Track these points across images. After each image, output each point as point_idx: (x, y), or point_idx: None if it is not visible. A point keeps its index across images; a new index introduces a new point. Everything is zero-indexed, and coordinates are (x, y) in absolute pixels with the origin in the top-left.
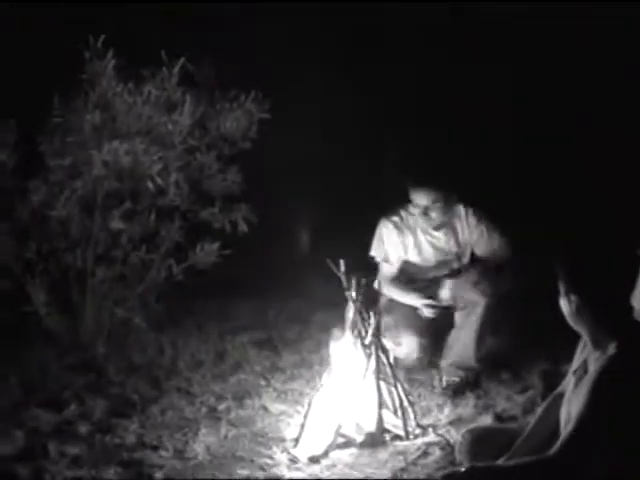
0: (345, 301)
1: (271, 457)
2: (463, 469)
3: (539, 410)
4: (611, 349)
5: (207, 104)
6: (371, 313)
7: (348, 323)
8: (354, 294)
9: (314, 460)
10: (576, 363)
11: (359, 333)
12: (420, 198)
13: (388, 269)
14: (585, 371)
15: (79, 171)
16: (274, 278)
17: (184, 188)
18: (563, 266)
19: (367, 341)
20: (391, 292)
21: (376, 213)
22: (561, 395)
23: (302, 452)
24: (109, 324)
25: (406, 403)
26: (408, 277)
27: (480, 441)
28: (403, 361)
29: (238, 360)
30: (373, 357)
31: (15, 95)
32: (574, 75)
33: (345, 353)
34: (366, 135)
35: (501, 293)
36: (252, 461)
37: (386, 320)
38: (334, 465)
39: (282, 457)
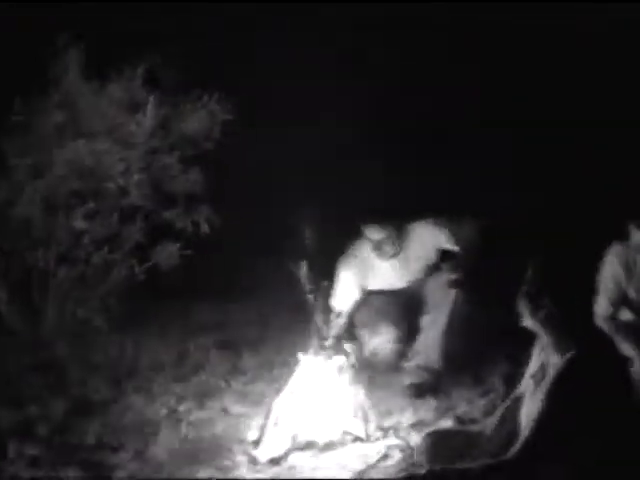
0: (306, 302)
1: (232, 459)
2: (422, 472)
3: (498, 412)
4: (569, 353)
5: (170, 105)
6: (332, 315)
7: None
8: (316, 296)
9: (275, 462)
10: (534, 366)
11: (321, 335)
12: (373, 234)
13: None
14: (543, 375)
15: (41, 170)
16: (236, 279)
17: (146, 189)
18: (533, 269)
19: (328, 342)
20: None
21: (341, 216)
22: (520, 398)
23: (263, 454)
24: (70, 324)
25: (367, 405)
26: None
27: (440, 444)
28: (379, 352)
29: (199, 361)
30: (334, 359)
31: None
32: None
33: (307, 355)
34: (331, 138)
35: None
36: (213, 463)
37: (362, 311)
38: (294, 467)
39: (243, 459)
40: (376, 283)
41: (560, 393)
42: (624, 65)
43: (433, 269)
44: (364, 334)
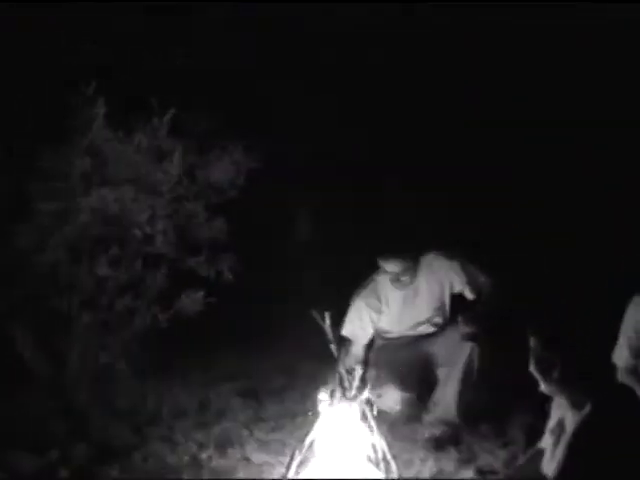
0: (329, 352)
1: None
2: None
3: (518, 465)
4: (587, 408)
5: (196, 153)
6: (356, 366)
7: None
8: (339, 346)
9: None
10: (552, 421)
11: (343, 385)
12: (391, 266)
13: (355, 348)
14: (562, 430)
15: (67, 217)
16: (259, 327)
17: (171, 236)
18: (538, 332)
19: (351, 393)
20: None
21: (363, 266)
22: (540, 452)
23: None
24: (93, 369)
25: (388, 456)
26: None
27: None
28: (386, 414)
29: (221, 409)
30: (356, 409)
31: (4, 138)
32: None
33: (329, 405)
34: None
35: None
36: None
37: (370, 373)
38: None
39: None
40: (387, 320)
41: (579, 448)
42: (624, 65)
43: (444, 310)
44: (381, 388)
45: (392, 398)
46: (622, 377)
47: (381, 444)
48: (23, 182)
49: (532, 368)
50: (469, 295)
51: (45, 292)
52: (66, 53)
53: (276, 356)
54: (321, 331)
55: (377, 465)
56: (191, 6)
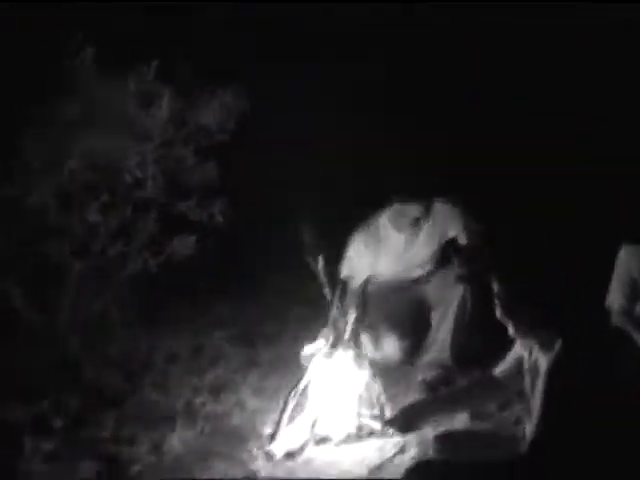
0: (322, 296)
1: (248, 452)
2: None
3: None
4: (557, 347)
5: (185, 97)
6: (350, 309)
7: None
8: (333, 290)
9: (291, 456)
10: (508, 363)
11: (337, 329)
12: (410, 210)
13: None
14: (537, 372)
15: (57, 164)
16: (251, 272)
17: (161, 181)
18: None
19: (345, 337)
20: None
21: (357, 211)
22: (522, 394)
23: (278, 448)
24: (85, 317)
25: (383, 399)
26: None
27: (454, 440)
28: (383, 362)
29: (214, 355)
30: (351, 352)
31: None
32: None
33: (323, 349)
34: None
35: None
36: (229, 456)
37: (366, 322)
38: (311, 461)
39: (259, 453)
40: (386, 262)
41: (555, 387)
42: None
43: (441, 258)
44: (375, 334)
45: (390, 348)
46: (616, 319)
47: (375, 387)
48: (11, 130)
49: (499, 314)
50: (463, 241)
51: (35, 240)
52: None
53: (268, 301)
54: (313, 276)
55: (371, 409)
56: None
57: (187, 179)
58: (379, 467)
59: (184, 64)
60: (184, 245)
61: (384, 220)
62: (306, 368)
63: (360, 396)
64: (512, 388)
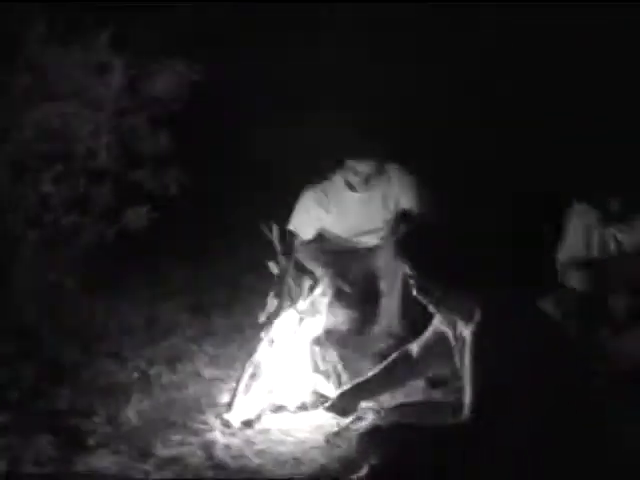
0: (276, 265)
1: (204, 422)
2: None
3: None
4: (477, 316)
5: (138, 66)
6: (304, 278)
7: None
8: (287, 257)
9: (247, 425)
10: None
11: (292, 297)
12: (363, 167)
13: (302, 240)
14: (463, 344)
15: (8, 134)
16: (204, 242)
17: (115, 150)
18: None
19: (300, 305)
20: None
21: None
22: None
23: (235, 417)
24: (40, 288)
25: (339, 367)
26: (336, 248)
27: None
28: (334, 332)
29: (169, 325)
30: (306, 321)
31: None
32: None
33: (278, 317)
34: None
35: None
36: (185, 426)
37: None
38: (268, 430)
39: (215, 422)
40: (336, 220)
41: (480, 354)
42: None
43: (395, 227)
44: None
45: (338, 317)
46: (562, 275)
47: (331, 356)
48: None
49: (415, 293)
50: (413, 213)
51: None
52: None
53: (221, 270)
54: (264, 244)
55: (327, 377)
56: None
57: (141, 148)
58: (335, 435)
59: (138, 32)
60: (138, 215)
61: (337, 177)
62: (261, 336)
63: (316, 364)
64: (436, 361)
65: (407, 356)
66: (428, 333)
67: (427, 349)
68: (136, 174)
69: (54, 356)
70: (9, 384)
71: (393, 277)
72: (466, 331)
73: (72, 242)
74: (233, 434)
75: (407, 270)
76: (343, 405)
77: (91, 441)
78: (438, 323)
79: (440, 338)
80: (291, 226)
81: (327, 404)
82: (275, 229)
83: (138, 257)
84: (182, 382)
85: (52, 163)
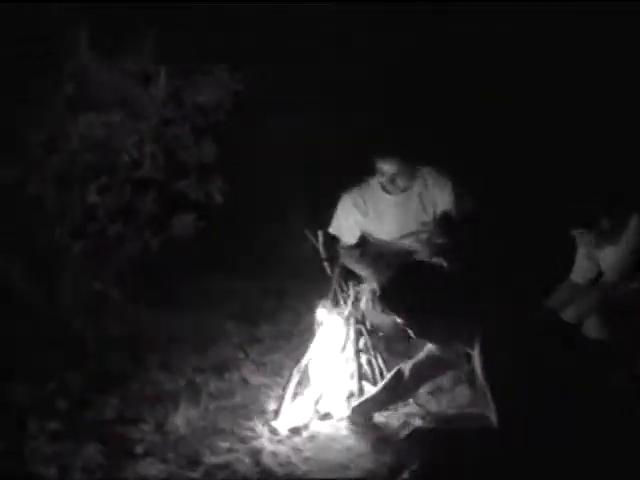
0: (321, 271)
1: (252, 429)
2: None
3: None
4: (478, 341)
5: (182, 76)
6: (350, 284)
7: (328, 294)
8: (332, 264)
9: (295, 432)
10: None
11: (338, 304)
12: (387, 166)
13: (345, 244)
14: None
15: (54, 145)
16: (250, 250)
17: (159, 160)
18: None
19: (346, 312)
20: (348, 263)
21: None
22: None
23: (283, 424)
24: (86, 298)
25: (386, 373)
26: (375, 252)
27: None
28: (381, 330)
29: (216, 333)
30: (352, 328)
31: None
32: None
33: (324, 324)
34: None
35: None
36: (233, 433)
37: (368, 291)
38: (315, 436)
39: (263, 429)
40: (374, 225)
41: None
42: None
43: (429, 227)
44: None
45: (391, 319)
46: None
47: (378, 362)
48: (9, 111)
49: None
50: (452, 217)
51: (35, 222)
52: None
53: (267, 277)
54: (310, 251)
55: (375, 383)
56: None
57: (185, 158)
58: (383, 441)
59: (181, 42)
60: (183, 224)
61: (373, 181)
62: (308, 343)
63: (363, 370)
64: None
65: (400, 375)
66: (421, 355)
67: (418, 368)
68: (181, 183)
69: (102, 366)
70: (59, 393)
71: None
72: (474, 353)
73: (118, 252)
74: (280, 441)
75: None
76: (356, 418)
77: (139, 449)
78: (433, 347)
79: (432, 359)
80: (331, 230)
81: (344, 417)
82: (320, 235)
83: (184, 266)
84: (229, 390)
85: (97, 173)
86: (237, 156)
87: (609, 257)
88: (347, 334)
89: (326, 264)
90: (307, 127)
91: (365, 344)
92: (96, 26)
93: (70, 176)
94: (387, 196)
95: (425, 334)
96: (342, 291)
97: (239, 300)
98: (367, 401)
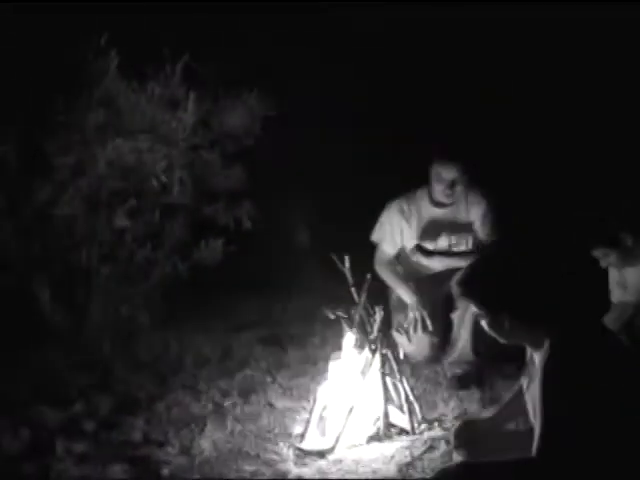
0: (349, 296)
1: (278, 453)
2: (455, 465)
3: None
4: (546, 345)
5: (210, 101)
6: (376, 308)
7: (354, 319)
8: (359, 290)
9: (320, 455)
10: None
11: (364, 328)
12: (447, 171)
13: (386, 253)
14: (534, 372)
15: (83, 169)
16: (278, 274)
17: (188, 185)
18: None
19: (372, 336)
20: (387, 278)
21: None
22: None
23: (309, 447)
24: (114, 322)
25: (412, 398)
26: (415, 263)
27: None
28: (413, 358)
29: (244, 357)
30: (378, 352)
31: (19, 93)
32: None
33: (351, 349)
34: (371, 133)
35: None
36: (258, 457)
37: (398, 317)
38: (341, 460)
39: (289, 453)
40: (418, 236)
41: (551, 385)
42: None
43: (468, 241)
44: (409, 332)
45: (420, 343)
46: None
47: (404, 386)
48: (39, 137)
49: (485, 327)
50: (479, 236)
51: (64, 246)
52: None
53: (296, 302)
54: (339, 275)
55: (400, 408)
56: None
57: (214, 183)
58: (408, 465)
59: (209, 67)
60: (213, 249)
61: (422, 193)
62: (334, 368)
63: (389, 394)
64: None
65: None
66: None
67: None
68: (210, 208)
69: (129, 389)
70: (86, 415)
71: (464, 305)
72: (537, 357)
73: (146, 276)
74: (306, 465)
75: (474, 308)
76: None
77: (165, 471)
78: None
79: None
80: (374, 237)
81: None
82: (347, 260)
83: (213, 290)
84: (256, 413)
85: (126, 198)
86: (266, 181)
87: (633, 277)
88: (373, 358)
89: (353, 289)
90: (335, 147)
91: (391, 368)
92: (125, 53)
93: (98, 200)
94: (433, 209)
95: (496, 326)
96: (368, 315)
97: (267, 324)
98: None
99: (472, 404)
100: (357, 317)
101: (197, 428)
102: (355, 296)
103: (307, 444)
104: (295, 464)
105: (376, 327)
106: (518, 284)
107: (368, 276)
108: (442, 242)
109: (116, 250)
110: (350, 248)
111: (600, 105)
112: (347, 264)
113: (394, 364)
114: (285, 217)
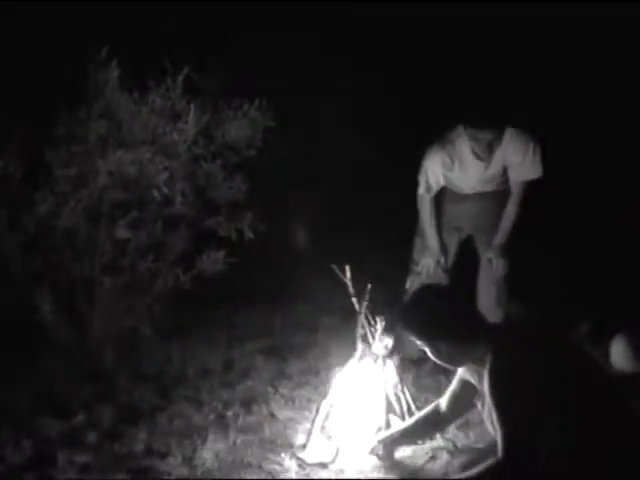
0: (351, 306)
1: (280, 463)
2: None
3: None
4: (488, 360)
5: (212, 113)
6: (378, 318)
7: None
8: (360, 300)
9: (323, 466)
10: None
11: (366, 339)
12: (483, 134)
13: (426, 194)
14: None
15: (85, 181)
16: (280, 285)
17: (190, 197)
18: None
19: (374, 347)
20: (422, 215)
21: (381, 222)
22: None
23: (311, 458)
24: (117, 333)
25: (413, 408)
26: (450, 194)
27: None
28: (409, 366)
29: (246, 368)
30: (380, 362)
31: (20, 105)
32: None
33: (352, 359)
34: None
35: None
36: (260, 467)
37: (418, 258)
38: (343, 471)
39: (291, 463)
40: (456, 176)
41: (500, 395)
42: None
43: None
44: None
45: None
46: None
47: (406, 396)
48: (40, 148)
49: (431, 357)
50: (512, 175)
51: (66, 258)
52: (79, 17)
53: (297, 313)
54: (339, 286)
55: (402, 417)
56: None
57: (216, 195)
58: (410, 475)
59: (211, 78)
60: (214, 260)
61: (460, 141)
62: (336, 378)
63: (390, 405)
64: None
65: (437, 410)
66: (454, 384)
67: (455, 399)
68: (211, 220)
69: (131, 400)
70: (88, 426)
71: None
72: (485, 372)
73: (148, 287)
74: (308, 475)
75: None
76: (383, 452)
77: None
78: (463, 373)
79: (466, 386)
80: (421, 189)
81: (369, 448)
82: (348, 270)
83: (214, 301)
84: (258, 424)
85: (128, 209)
86: (268, 192)
87: None
88: (374, 368)
89: (354, 299)
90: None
91: (392, 378)
92: (126, 64)
93: (100, 211)
94: (474, 159)
95: (438, 354)
96: (370, 326)
97: (269, 335)
98: (397, 435)
99: (474, 414)
100: (358, 327)
101: (199, 439)
102: (356, 306)
103: (309, 455)
104: (297, 475)
105: (377, 337)
106: (451, 310)
107: (369, 287)
108: (479, 182)
109: (118, 261)
110: (351, 258)
111: (600, 105)
112: (348, 274)
113: (396, 373)
114: (286, 228)
